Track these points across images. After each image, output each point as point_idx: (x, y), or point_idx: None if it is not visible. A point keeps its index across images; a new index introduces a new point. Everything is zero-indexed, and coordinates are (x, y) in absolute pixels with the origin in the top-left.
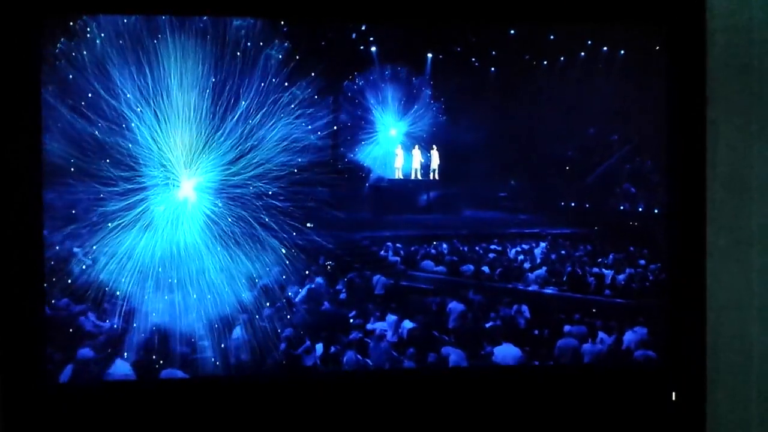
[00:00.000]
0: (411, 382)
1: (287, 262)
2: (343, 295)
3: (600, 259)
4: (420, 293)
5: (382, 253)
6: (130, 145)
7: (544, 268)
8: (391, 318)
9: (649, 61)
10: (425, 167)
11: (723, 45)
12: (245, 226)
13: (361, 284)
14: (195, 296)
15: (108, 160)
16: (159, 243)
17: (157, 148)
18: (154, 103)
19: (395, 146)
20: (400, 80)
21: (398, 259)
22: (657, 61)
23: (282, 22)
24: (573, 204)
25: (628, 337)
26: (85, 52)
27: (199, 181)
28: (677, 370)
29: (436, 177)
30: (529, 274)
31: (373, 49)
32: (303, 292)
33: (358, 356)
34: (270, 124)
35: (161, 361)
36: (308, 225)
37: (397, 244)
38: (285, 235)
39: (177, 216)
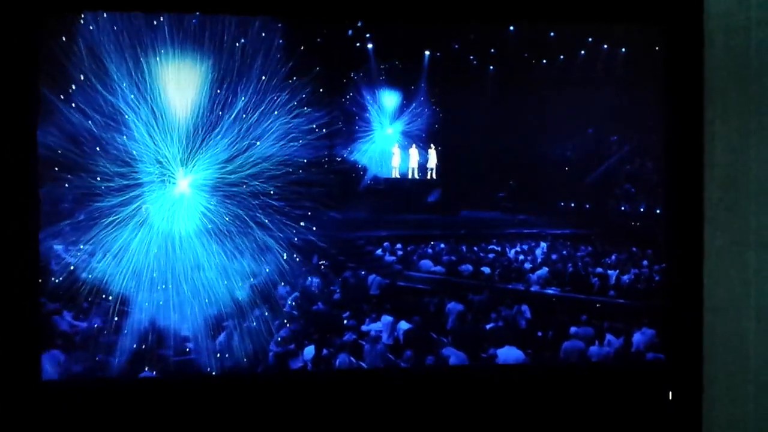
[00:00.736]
0: (409, 381)
1: (282, 261)
2: (337, 296)
3: (603, 260)
4: (417, 294)
5: (378, 252)
6: (126, 141)
7: (546, 269)
8: (387, 319)
9: (646, 61)
10: (422, 166)
11: (721, 45)
12: (241, 225)
13: (356, 284)
14: (189, 293)
15: (104, 156)
16: (154, 239)
17: (154, 145)
18: (151, 99)
19: (392, 145)
20: (397, 78)
21: (394, 258)
22: (655, 61)
23: (280, 22)
24: (573, 204)
25: (637, 338)
26: (82, 48)
27: (195, 178)
28: (674, 369)
29: (434, 176)
30: (531, 274)
31: (370, 46)
32: (296, 292)
33: (352, 359)
34: (267, 123)
35: (153, 359)
36: (301, 224)
37: (396, 245)
38: (281, 234)
39: (173, 213)
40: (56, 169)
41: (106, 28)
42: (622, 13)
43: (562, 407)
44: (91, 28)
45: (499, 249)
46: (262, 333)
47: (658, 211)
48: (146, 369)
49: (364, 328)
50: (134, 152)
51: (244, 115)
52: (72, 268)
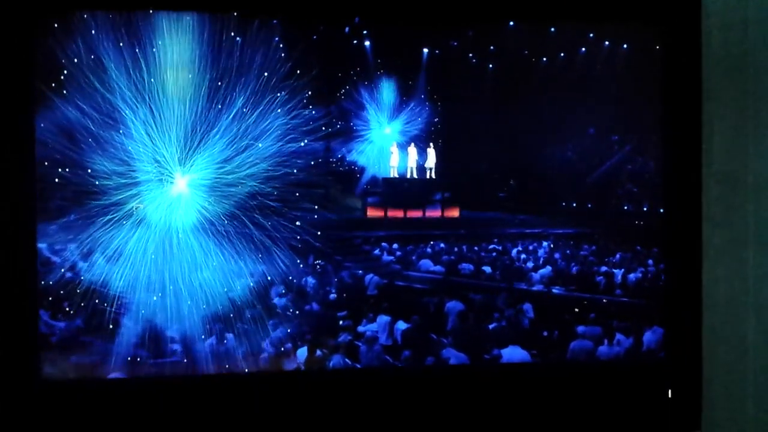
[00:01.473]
0: (407, 381)
1: (279, 261)
2: (332, 296)
3: (607, 259)
4: (416, 293)
5: (376, 252)
6: (124, 140)
7: (549, 268)
8: (384, 319)
9: (644, 58)
10: (421, 166)
11: (719, 43)
12: (238, 225)
13: (353, 284)
14: (186, 293)
15: (101, 154)
16: (152, 239)
17: (152, 144)
18: (149, 98)
19: (390, 144)
20: (395, 76)
21: (392, 258)
22: (652, 59)
23: (278, 20)
24: (574, 204)
25: (648, 337)
26: (80, 46)
27: (193, 178)
28: (673, 368)
29: (433, 176)
30: (533, 273)
31: (367, 44)
32: (290, 293)
33: (347, 360)
34: (265, 123)
35: (152, 358)
36: (297, 223)
37: (394, 244)
38: (278, 235)
39: (170, 212)
40: (52, 166)
41: (105, 25)
42: (619, 11)
43: (561, 405)
44: (89, 25)
45: (500, 248)
46: (256, 334)
47: (662, 210)
48: (138, 370)
49: (360, 329)
50: (132, 151)
51: (242, 115)
52: (68, 266)
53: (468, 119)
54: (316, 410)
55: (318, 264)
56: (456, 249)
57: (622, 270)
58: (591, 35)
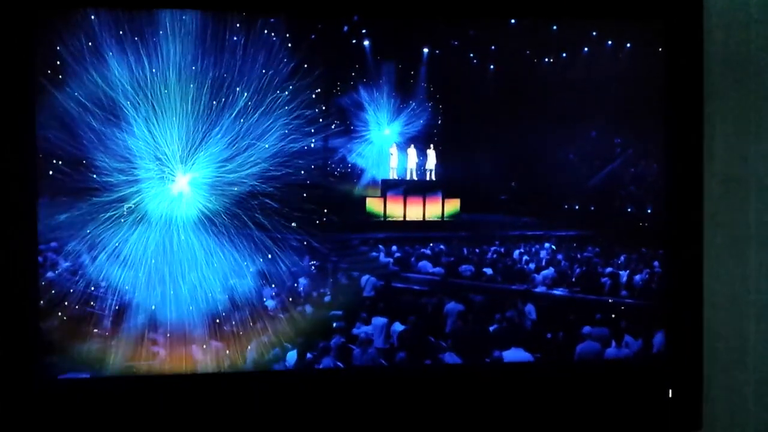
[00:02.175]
0: (403, 382)
1: (279, 262)
2: (327, 297)
3: (612, 260)
4: (414, 294)
5: (373, 254)
6: (126, 137)
7: (552, 269)
8: (379, 321)
9: (646, 57)
10: (421, 167)
11: (720, 42)
12: (239, 224)
13: (349, 285)
14: (186, 292)
15: (103, 150)
16: (152, 237)
17: (153, 141)
18: (152, 95)
19: (390, 145)
20: (395, 77)
21: (391, 260)
22: (654, 58)
23: (282, 19)
24: (577, 207)
25: (658, 339)
26: (83, 41)
27: (194, 176)
28: (674, 367)
29: (433, 177)
30: (536, 275)
31: (367, 43)
32: (284, 293)
33: (339, 364)
34: (268, 123)
35: (151, 358)
36: (293, 224)
37: (393, 246)
38: (279, 235)
39: (171, 210)
40: (54, 161)
41: (108, 22)
42: (621, 9)
43: (559, 405)
44: (91, 21)
45: (502, 250)
46: (248, 335)
47: (663, 210)
48: (135, 368)
49: (354, 331)
50: (133, 148)
51: (244, 115)
52: (66, 263)
53: (469, 120)
54: (307, 412)
55: (313, 264)
56: (456, 250)
57: (627, 271)
58: (592, 35)
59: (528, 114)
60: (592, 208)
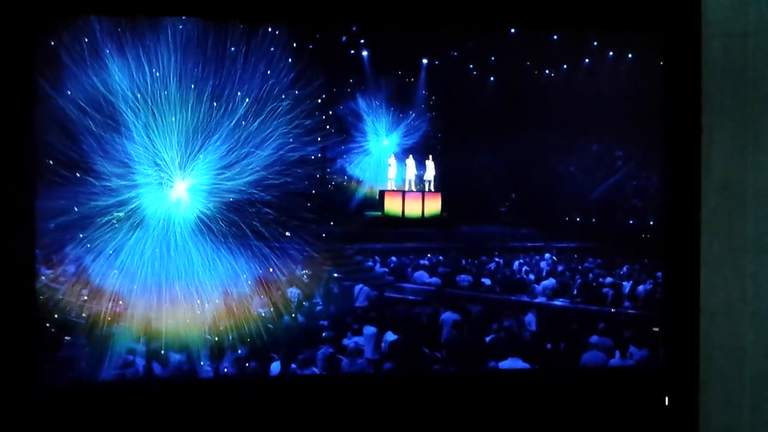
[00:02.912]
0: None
1: (275, 269)
2: (319, 307)
3: (614, 271)
4: (408, 304)
5: (368, 263)
6: (125, 142)
7: (553, 280)
8: (370, 330)
9: (644, 67)
10: (420, 178)
11: (718, 51)
12: (237, 232)
13: (341, 294)
14: (182, 297)
15: (102, 155)
16: (150, 242)
17: (152, 147)
18: (152, 101)
19: (388, 156)
20: (394, 88)
21: (386, 270)
22: (652, 68)
23: (283, 29)
24: (578, 219)
25: (655, 347)
26: (84, 47)
27: (193, 183)
28: (670, 375)
29: (431, 188)
30: (536, 285)
31: (365, 54)
32: (275, 302)
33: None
34: (267, 132)
35: (146, 361)
36: (287, 234)
37: (390, 257)
38: (276, 244)
39: (169, 216)
40: (53, 164)
41: (110, 28)
42: (619, 20)
43: (556, 413)
44: (94, 28)
45: (501, 262)
46: (237, 344)
47: (661, 218)
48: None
49: (345, 341)
50: (132, 153)
51: (244, 123)
52: (65, 266)
53: (468, 131)
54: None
55: (305, 274)
56: (455, 261)
57: (629, 282)
58: (590, 45)
59: (526, 124)
60: (580, 219)
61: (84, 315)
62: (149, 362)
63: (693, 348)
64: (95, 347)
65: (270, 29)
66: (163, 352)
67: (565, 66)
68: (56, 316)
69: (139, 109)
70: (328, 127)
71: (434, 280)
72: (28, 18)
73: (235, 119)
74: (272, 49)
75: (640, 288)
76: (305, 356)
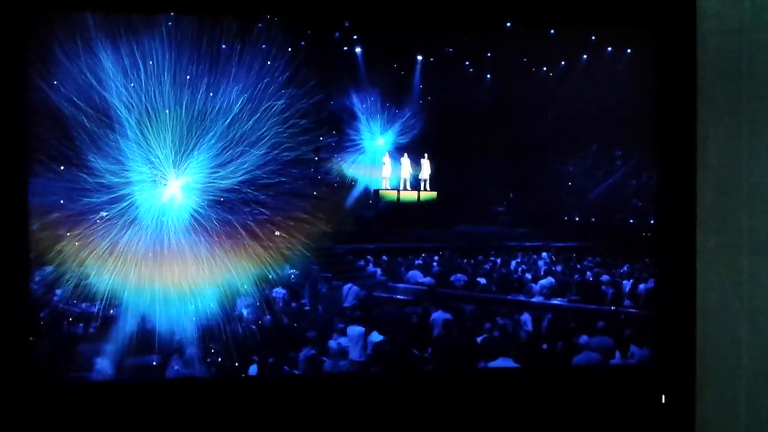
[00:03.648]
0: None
1: (268, 269)
2: (307, 308)
3: (613, 270)
4: (399, 304)
5: (360, 263)
6: (119, 139)
7: (551, 279)
8: (356, 330)
9: (638, 63)
10: (415, 177)
11: (713, 48)
12: (230, 231)
13: (329, 294)
14: (175, 296)
15: (96, 151)
16: (143, 239)
17: (146, 145)
18: (146, 98)
19: (383, 155)
20: (388, 85)
21: (379, 270)
22: (647, 64)
23: (277, 27)
24: (576, 218)
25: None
26: (79, 43)
27: (186, 181)
28: (666, 373)
29: (427, 188)
30: (533, 284)
31: (359, 50)
32: (261, 301)
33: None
34: (261, 131)
35: (141, 361)
36: (276, 233)
37: (383, 256)
38: (270, 243)
39: (162, 214)
40: (46, 160)
41: (104, 24)
42: (614, 16)
43: (553, 411)
44: (88, 24)
45: (498, 261)
46: (224, 345)
47: (655, 214)
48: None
49: (331, 342)
50: (126, 150)
51: (238, 121)
52: (57, 263)
53: (463, 129)
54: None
55: (292, 274)
56: (450, 261)
57: (631, 280)
58: (585, 42)
59: (523, 121)
60: (579, 219)
61: (77, 313)
62: (145, 361)
63: (689, 346)
64: (89, 346)
65: (263, 26)
66: (156, 351)
67: (561, 63)
68: (48, 314)
69: (132, 106)
70: (322, 126)
71: (428, 279)
72: (22, 14)
73: (230, 118)
74: (266, 45)
75: (642, 286)
76: (286, 357)
